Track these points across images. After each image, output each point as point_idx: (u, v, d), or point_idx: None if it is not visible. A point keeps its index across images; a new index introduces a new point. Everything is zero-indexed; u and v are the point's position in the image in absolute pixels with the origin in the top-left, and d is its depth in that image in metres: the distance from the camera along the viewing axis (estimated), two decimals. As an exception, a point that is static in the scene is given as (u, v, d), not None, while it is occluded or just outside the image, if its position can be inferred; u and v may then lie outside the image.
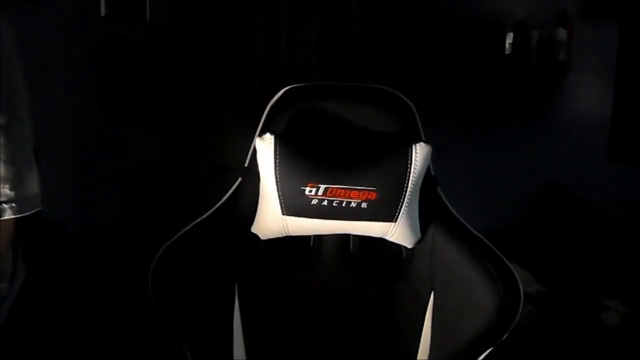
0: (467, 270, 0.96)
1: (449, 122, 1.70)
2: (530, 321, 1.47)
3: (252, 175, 1.00)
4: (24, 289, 0.81)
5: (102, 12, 1.37)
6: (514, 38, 1.82)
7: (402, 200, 0.95)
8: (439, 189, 1.04)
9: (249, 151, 1.02)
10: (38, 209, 0.72)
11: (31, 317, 0.90)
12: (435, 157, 1.00)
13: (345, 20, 1.65)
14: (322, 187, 0.94)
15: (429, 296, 1.01)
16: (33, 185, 0.71)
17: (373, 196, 0.94)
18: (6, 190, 0.67)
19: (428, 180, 1.00)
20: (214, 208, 1.02)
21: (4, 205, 0.68)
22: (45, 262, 0.93)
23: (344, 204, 0.94)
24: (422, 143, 0.97)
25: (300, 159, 0.96)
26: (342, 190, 0.94)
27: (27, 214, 0.70)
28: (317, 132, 1.01)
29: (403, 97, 1.05)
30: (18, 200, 0.69)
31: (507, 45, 1.83)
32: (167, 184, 1.51)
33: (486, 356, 0.94)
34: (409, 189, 0.95)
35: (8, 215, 0.68)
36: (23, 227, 0.72)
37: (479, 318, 0.93)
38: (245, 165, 1.03)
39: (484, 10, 1.79)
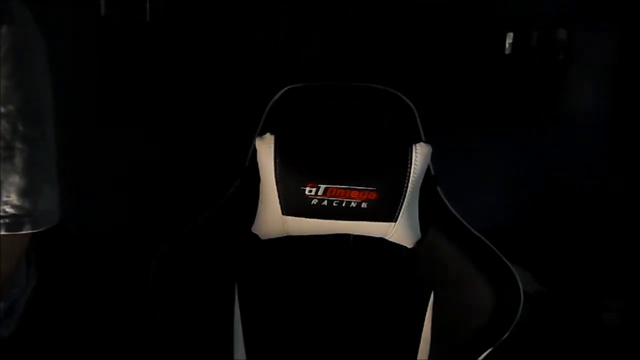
0: (467, 271, 0.96)
1: (448, 122, 1.69)
2: (530, 321, 1.47)
3: (252, 175, 1.00)
4: (35, 294, 0.81)
5: (102, 12, 1.36)
6: (514, 38, 1.82)
7: (402, 200, 0.95)
8: (439, 189, 1.04)
9: (249, 151, 1.02)
10: (55, 223, 0.70)
11: (40, 321, 0.90)
12: (435, 157, 1.00)
13: (345, 21, 1.65)
14: (322, 187, 0.94)
15: (429, 296, 1.01)
16: (53, 201, 0.70)
17: (373, 196, 0.94)
18: (26, 204, 0.66)
19: (428, 180, 1.00)
20: (213, 208, 1.02)
21: (23, 219, 0.66)
22: (52, 266, 0.93)
23: (344, 204, 0.94)
24: (422, 143, 0.97)
25: (300, 159, 0.96)
26: (342, 190, 0.94)
27: (44, 228, 0.69)
28: (317, 132, 1.01)
29: (403, 97, 1.05)
30: (37, 215, 0.67)
31: (507, 45, 1.83)
32: (167, 183, 1.51)
33: (486, 356, 0.94)
34: (409, 189, 0.95)
35: (26, 230, 0.66)
36: (37, 236, 0.71)
37: (479, 318, 0.93)
38: (246, 165, 1.03)
39: (484, 9, 1.79)
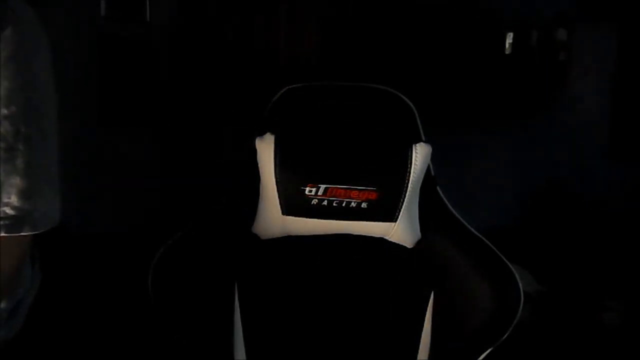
0: (467, 271, 0.96)
1: (448, 122, 1.70)
2: (530, 321, 1.47)
3: (252, 175, 1.00)
4: (39, 295, 0.80)
5: (102, 12, 1.37)
6: (514, 38, 1.82)
7: (402, 200, 0.95)
8: (439, 189, 1.04)
9: (249, 151, 1.02)
10: (55, 225, 0.70)
11: (45, 322, 0.90)
12: (435, 157, 1.00)
13: (344, 21, 1.65)
14: (322, 187, 0.94)
15: (429, 296, 1.01)
16: (53, 202, 0.69)
17: (373, 196, 0.94)
18: (26, 206, 0.65)
19: (428, 180, 1.00)
20: (214, 208, 1.02)
21: (23, 220, 0.65)
22: (55, 267, 0.93)
23: (344, 204, 0.94)
24: (422, 143, 0.97)
25: (300, 159, 0.96)
26: (342, 190, 0.94)
27: (44, 230, 0.68)
28: (317, 132, 1.01)
29: (403, 97, 1.05)
30: (37, 217, 0.66)
31: (507, 45, 1.83)
32: (167, 183, 1.51)
33: (486, 356, 0.94)
34: (409, 189, 0.95)
35: (26, 231, 0.66)
36: (39, 237, 0.71)
37: (479, 318, 0.93)
38: (246, 165, 1.03)
39: (484, 9, 1.79)
